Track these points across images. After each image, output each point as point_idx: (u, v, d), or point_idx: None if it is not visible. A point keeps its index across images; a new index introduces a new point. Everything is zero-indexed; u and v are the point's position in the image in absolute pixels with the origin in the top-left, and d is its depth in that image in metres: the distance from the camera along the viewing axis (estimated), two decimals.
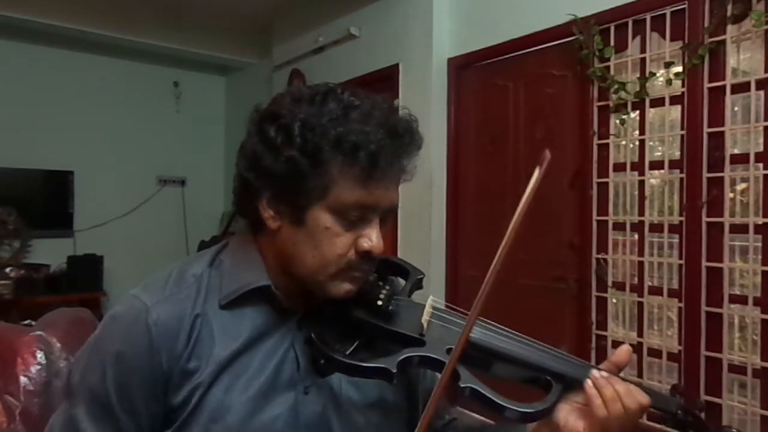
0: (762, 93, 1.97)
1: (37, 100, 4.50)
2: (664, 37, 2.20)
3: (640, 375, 2.24)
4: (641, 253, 2.26)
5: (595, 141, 2.42)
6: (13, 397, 0.99)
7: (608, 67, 2.35)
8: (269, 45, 4.40)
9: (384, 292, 0.81)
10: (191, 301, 0.79)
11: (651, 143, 2.29)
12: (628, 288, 2.31)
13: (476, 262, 2.92)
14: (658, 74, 2.21)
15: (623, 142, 2.34)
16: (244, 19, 4.45)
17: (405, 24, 3.21)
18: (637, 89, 2.25)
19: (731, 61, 2.05)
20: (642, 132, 2.27)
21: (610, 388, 0.75)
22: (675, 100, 2.17)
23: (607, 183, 2.39)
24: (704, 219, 2.08)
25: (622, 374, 0.81)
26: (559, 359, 0.81)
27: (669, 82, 2.17)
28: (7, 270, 4.02)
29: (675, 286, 2.17)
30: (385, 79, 3.27)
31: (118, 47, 4.58)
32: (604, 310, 2.39)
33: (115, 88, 4.86)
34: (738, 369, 2.00)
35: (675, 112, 2.20)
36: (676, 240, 2.18)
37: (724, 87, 2.05)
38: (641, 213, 2.27)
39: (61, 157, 4.56)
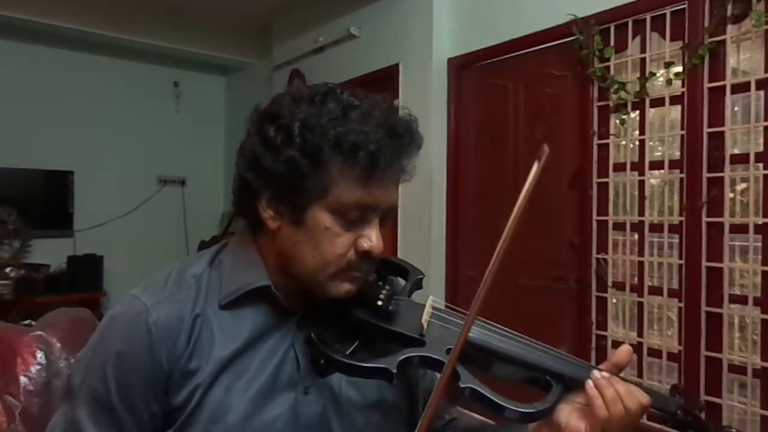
0: (762, 93, 1.97)
1: (37, 100, 4.51)
2: (664, 37, 2.20)
3: (640, 375, 2.24)
4: (641, 253, 2.26)
5: (595, 141, 2.41)
6: (13, 397, 0.99)
7: (608, 67, 2.35)
8: (269, 45, 4.40)
9: (384, 292, 0.81)
10: (191, 301, 0.79)
11: (651, 143, 2.29)
12: (628, 288, 2.31)
13: (476, 262, 2.92)
14: (658, 74, 2.21)
15: (623, 142, 2.34)
16: (244, 19, 4.45)
17: (405, 24, 3.21)
18: (637, 89, 2.25)
19: (731, 61, 2.05)
20: (642, 132, 2.27)
21: (611, 389, 0.75)
22: (675, 100, 2.17)
23: (607, 183, 2.39)
24: (704, 219, 2.08)
25: (622, 374, 0.81)
26: (559, 359, 0.81)
27: (669, 82, 2.17)
28: (7, 270, 4.02)
29: (675, 286, 2.17)
30: (385, 79, 3.26)
31: (118, 47, 4.58)
32: (604, 310, 2.39)
33: (115, 88, 4.86)
34: (738, 369, 2.00)
35: (675, 112, 2.20)
36: (676, 240, 2.18)
37: (724, 87, 2.05)
38: (641, 213, 2.27)
39: (61, 157, 4.56)
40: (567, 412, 0.78)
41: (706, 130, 2.08)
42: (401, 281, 0.92)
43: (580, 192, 2.48)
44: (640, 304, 2.26)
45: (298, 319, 0.82)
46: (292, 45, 4.08)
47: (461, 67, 3.04)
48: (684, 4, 2.13)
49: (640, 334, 2.25)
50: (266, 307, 0.81)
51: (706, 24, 2.07)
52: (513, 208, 0.70)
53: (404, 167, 0.78)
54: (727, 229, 2.03)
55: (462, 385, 0.74)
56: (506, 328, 0.82)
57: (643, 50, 2.26)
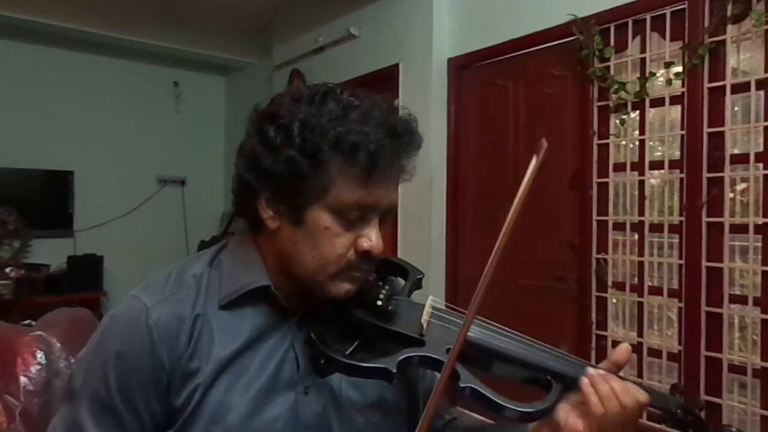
0: (762, 93, 1.97)
1: (37, 100, 4.51)
2: (664, 37, 2.20)
3: (640, 375, 2.24)
4: (641, 253, 2.26)
5: (595, 141, 2.41)
6: (13, 397, 0.99)
7: (608, 67, 2.35)
8: (269, 45, 4.40)
9: (384, 292, 0.81)
10: (191, 301, 0.79)
11: (651, 143, 2.29)
12: (628, 288, 2.31)
13: (476, 262, 2.92)
14: (658, 74, 2.21)
15: (623, 142, 2.34)
16: (244, 19, 4.46)
17: (405, 24, 3.21)
18: (637, 89, 2.25)
19: (731, 61, 2.05)
20: (642, 132, 2.27)
21: (605, 385, 0.75)
22: (675, 100, 2.17)
23: (607, 183, 2.39)
24: (704, 219, 2.08)
25: (621, 373, 0.81)
26: (559, 359, 0.81)
27: (669, 82, 2.17)
28: (7, 270, 4.02)
29: (675, 286, 2.17)
30: (385, 79, 3.26)
31: (118, 47, 4.58)
32: (604, 310, 2.39)
33: (115, 88, 4.86)
34: (738, 369, 2.00)
35: (675, 112, 2.20)
36: (676, 240, 2.18)
37: (724, 87, 2.05)
38: (641, 213, 2.27)
39: (61, 157, 4.56)
40: (565, 411, 0.78)
41: (706, 130, 2.08)
42: (401, 281, 0.92)
43: (580, 192, 2.48)
44: (640, 304, 2.26)
45: (298, 319, 0.82)
46: (292, 45, 4.08)
47: (461, 67, 3.04)
48: (684, 4, 2.13)
49: (640, 334, 2.25)
50: (266, 307, 0.81)
51: (706, 24, 2.07)
52: (512, 204, 0.70)
53: (404, 167, 0.78)
54: (727, 229, 2.03)
55: (462, 385, 0.74)
56: (506, 328, 0.82)
57: (643, 50, 2.26)
